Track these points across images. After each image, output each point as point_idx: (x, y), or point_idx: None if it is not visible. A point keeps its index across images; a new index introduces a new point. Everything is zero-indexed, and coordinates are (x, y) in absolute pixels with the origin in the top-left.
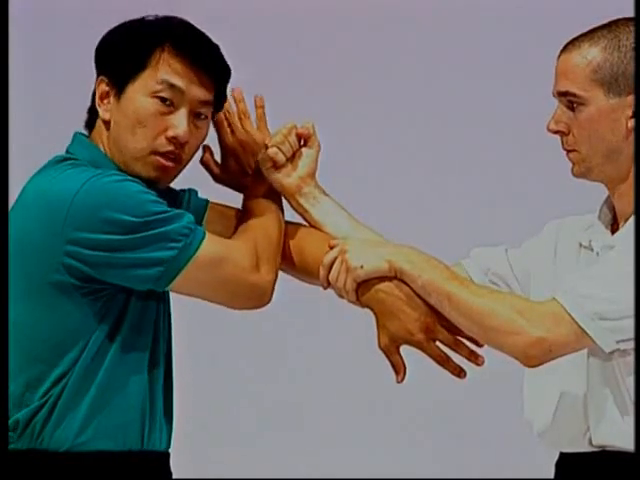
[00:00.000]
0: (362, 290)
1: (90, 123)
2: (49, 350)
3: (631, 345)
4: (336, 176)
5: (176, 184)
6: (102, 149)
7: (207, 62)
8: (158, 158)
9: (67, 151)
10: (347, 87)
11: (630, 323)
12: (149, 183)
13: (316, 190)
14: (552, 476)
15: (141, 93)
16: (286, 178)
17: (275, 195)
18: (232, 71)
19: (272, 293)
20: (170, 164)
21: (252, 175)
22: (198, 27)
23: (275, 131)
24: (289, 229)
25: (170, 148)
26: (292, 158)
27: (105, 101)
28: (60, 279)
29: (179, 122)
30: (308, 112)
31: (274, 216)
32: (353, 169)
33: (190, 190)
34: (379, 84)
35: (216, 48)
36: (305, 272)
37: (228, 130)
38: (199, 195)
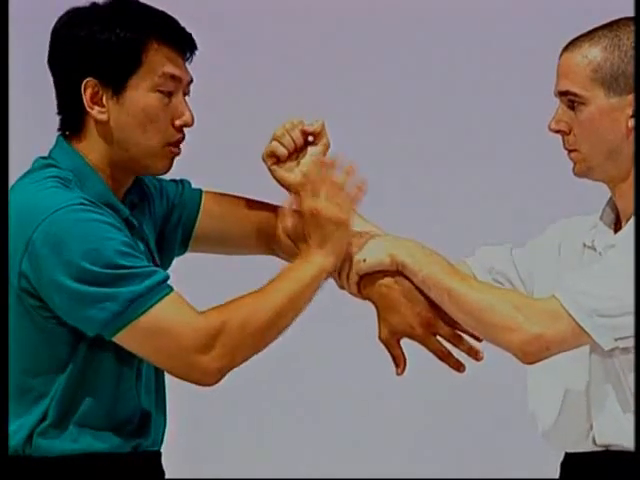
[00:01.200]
0: (364, 283)
1: (70, 126)
2: (33, 362)
3: (631, 343)
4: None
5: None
6: (84, 154)
7: (187, 44)
8: (171, 148)
9: (50, 155)
10: (349, 86)
11: (629, 320)
12: (163, 174)
13: None
14: (557, 476)
15: (144, 89)
16: (291, 175)
17: (314, 277)
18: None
19: (218, 379)
20: (178, 151)
21: (305, 246)
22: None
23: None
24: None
25: (180, 136)
26: (298, 156)
27: (97, 102)
28: (22, 298)
29: (183, 109)
30: (311, 111)
31: (287, 299)
32: (359, 167)
33: (183, 181)
34: (383, 83)
35: (184, 28)
36: None
37: (309, 194)
38: (193, 186)
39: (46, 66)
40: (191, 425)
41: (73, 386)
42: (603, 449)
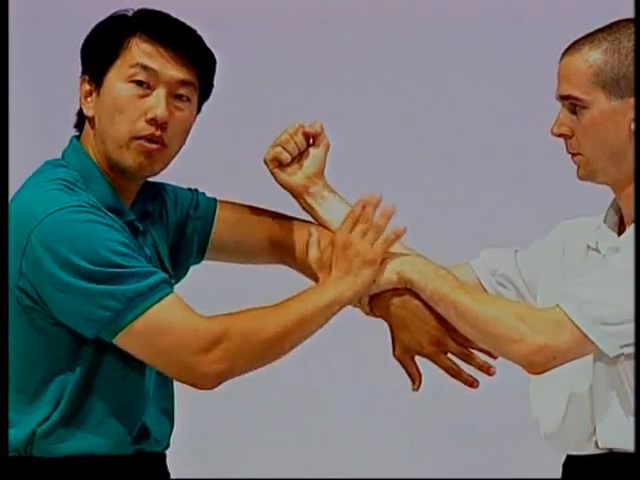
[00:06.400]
0: (375, 302)
1: (77, 126)
2: (31, 363)
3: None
4: (343, 176)
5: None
6: (91, 154)
7: (180, 42)
8: (141, 142)
9: (62, 156)
10: (352, 87)
11: (633, 327)
12: (138, 172)
13: (324, 190)
14: (559, 476)
15: (117, 80)
16: (293, 177)
17: (328, 305)
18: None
19: (216, 384)
20: (153, 146)
21: (327, 274)
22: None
23: (282, 130)
24: (301, 227)
25: (151, 130)
26: (300, 157)
27: (88, 99)
28: (19, 298)
29: (156, 103)
30: (313, 112)
31: (296, 319)
32: (361, 169)
33: (197, 191)
34: (386, 84)
35: (190, 30)
36: (315, 274)
37: (347, 226)
38: (207, 195)
39: (46, 66)
40: (195, 425)
41: (77, 389)
42: (606, 451)
